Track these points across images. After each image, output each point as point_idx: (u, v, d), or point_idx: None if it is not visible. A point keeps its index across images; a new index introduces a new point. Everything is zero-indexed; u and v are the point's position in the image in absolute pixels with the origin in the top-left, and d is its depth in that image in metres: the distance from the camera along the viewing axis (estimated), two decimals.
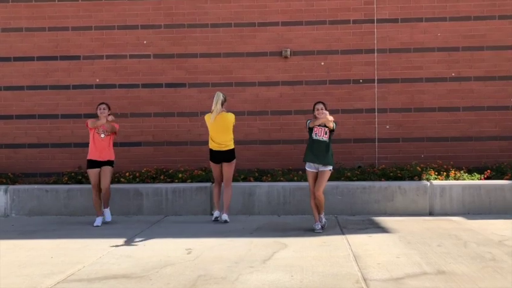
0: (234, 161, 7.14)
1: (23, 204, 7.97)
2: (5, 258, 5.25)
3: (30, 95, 9.05)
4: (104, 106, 7.32)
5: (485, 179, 7.94)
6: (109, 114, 7.33)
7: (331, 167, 6.47)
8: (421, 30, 8.85)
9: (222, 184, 7.20)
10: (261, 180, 8.14)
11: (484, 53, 8.81)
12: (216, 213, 7.23)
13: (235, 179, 7.91)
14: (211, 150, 7.09)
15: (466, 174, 8.05)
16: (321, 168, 6.41)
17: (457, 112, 8.84)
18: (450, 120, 8.84)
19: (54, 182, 8.41)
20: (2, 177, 8.46)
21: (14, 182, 8.42)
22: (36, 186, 8.15)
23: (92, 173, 7.20)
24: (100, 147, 7.20)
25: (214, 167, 7.17)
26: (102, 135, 7.21)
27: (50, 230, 6.76)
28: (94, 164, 7.21)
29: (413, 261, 4.93)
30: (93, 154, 7.20)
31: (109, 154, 7.25)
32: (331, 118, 6.38)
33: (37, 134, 9.05)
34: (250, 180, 8.13)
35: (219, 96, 7.01)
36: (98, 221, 7.13)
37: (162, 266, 4.84)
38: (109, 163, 7.24)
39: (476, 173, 8.10)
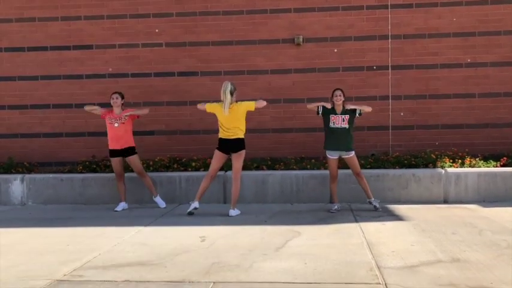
0: (243, 152, 6.77)
1: (39, 193, 8.08)
2: (23, 246, 5.34)
3: (44, 84, 9.12)
4: (116, 95, 7.37)
5: (501, 166, 7.84)
6: (122, 104, 7.39)
7: (353, 152, 6.81)
8: (436, 16, 8.70)
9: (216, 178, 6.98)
10: (273, 169, 8.13)
11: (500, 37, 8.64)
12: (195, 204, 6.76)
13: (248, 167, 7.92)
14: (220, 139, 6.80)
15: (482, 161, 7.95)
16: (344, 155, 6.75)
17: (473, 99, 8.71)
18: (465, 107, 8.72)
19: (69, 171, 8.51)
20: (18, 166, 8.58)
21: (29, 171, 8.53)
22: (51, 175, 8.25)
23: (114, 161, 7.37)
24: (115, 136, 7.28)
25: (216, 156, 6.78)
26: (116, 124, 7.27)
27: (66, 218, 6.85)
28: (114, 153, 7.33)
29: (428, 249, 4.89)
30: (111, 143, 7.34)
31: (127, 141, 7.32)
32: (353, 107, 6.71)
33: (51, 124, 9.14)
34: (263, 169, 8.13)
35: (227, 86, 6.62)
36: (120, 206, 7.40)
37: (176, 254, 4.88)
38: (130, 150, 7.35)
39: (492, 160, 7.99)
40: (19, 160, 8.83)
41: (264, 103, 6.86)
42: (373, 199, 6.96)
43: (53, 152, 9.09)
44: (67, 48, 9.08)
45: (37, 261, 4.73)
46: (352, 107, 6.80)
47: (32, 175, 8.25)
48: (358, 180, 6.97)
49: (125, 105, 7.62)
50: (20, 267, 4.56)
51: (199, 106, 7.04)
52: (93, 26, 9.03)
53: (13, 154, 8.91)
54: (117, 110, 7.37)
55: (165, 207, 7.47)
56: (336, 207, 6.93)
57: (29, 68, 9.13)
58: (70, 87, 9.10)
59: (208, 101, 7.14)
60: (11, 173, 8.41)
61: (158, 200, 7.57)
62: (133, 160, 7.39)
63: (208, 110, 6.94)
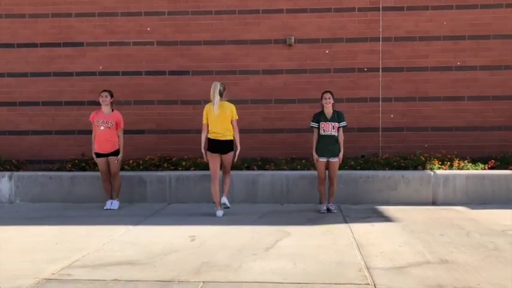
0: (232, 153, 6.81)
1: (27, 190, 8.00)
2: (10, 244, 5.28)
3: (34, 81, 9.04)
4: (105, 94, 7.32)
5: (489, 168, 7.92)
6: (111, 102, 7.35)
7: (338, 158, 6.99)
8: (427, 19, 8.76)
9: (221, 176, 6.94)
10: (264, 169, 8.15)
11: (490, 42, 8.73)
12: (219, 213, 6.74)
13: (238, 167, 7.93)
14: (209, 139, 6.77)
15: (470, 164, 8.03)
16: (331, 159, 6.96)
17: (462, 101, 8.79)
18: (455, 110, 8.79)
19: (58, 169, 8.44)
20: (6, 164, 8.49)
21: (18, 169, 8.45)
22: (40, 173, 8.18)
23: (98, 161, 7.38)
24: (100, 139, 7.28)
25: (211, 158, 6.76)
26: (102, 128, 7.21)
27: (54, 217, 6.80)
28: (99, 155, 7.35)
29: (416, 250, 4.93)
30: (96, 146, 7.36)
31: (110, 146, 7.30)
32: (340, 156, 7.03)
33: (41, 121, 9.06)
34: (253, 169, 8.14)
35: (216, 87, 6.69)
36: (107, 204, 7.38)
37: (166, 253, 4.86)
38: (113, 154, 7.34)
39: (481, 163, 8.07)
40: (7, 158, 8.74)
41: (237, 132, 6.83)
42: (331, 204, 7.07)
43: (41, 149, 9.01)
44: (57, 45, 9.01)
45: (25, 260, 4.69)
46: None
47: (20, 173, 8.18)
48: (329, 183, 7.04)
49: (114, 104, 7.58)
50: (7, 266, 4.51)
51: (203, 136, 6.84)
52: (84, 23, 8.97)
53: (1, 151, 8.82)
54: (105, 108, 7.33)
55: (118, 209, 7.32)
56: (324, 207, 7.00)
57: (19, 65, 9.04)
58: (60, 84, 9.03)
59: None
60: None
61: (115, 203, 7.39)
62: (113, 160, 7.34)
63: (205, 121, 6.80)
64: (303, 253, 4.83)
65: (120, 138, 7.38)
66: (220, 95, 6.72)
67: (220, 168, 6.91)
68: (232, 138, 6.81)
